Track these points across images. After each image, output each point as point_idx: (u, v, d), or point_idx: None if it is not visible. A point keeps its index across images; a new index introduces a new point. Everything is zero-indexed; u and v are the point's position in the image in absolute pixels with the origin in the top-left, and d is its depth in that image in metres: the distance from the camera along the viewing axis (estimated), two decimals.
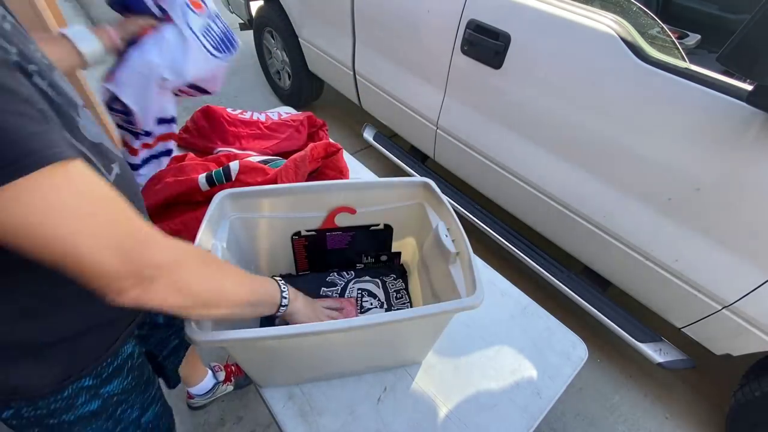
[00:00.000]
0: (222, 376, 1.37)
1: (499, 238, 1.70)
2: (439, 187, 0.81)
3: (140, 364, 0.69)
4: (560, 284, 1.53)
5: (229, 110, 1.31)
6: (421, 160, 2.09)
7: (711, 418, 1.51)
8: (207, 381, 1.31)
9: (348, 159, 1.22)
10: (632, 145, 1.17)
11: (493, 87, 1.45)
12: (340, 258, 0.95)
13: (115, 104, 0.86)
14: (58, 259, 0.37)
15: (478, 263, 0.88)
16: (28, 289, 0.48)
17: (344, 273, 0.97)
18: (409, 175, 1.99)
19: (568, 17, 1.20)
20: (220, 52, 0.90)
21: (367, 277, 0.97)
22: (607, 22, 1.14)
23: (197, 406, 1.36)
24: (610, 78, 1.16)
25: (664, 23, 1.22)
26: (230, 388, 1.40)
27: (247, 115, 1.32)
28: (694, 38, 1.84)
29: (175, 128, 1.00)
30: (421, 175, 1.95)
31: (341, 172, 1.09)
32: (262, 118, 1.34)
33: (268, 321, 0.85)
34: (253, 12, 2.73)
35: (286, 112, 1.42)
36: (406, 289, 0.96)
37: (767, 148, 0.94)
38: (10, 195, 0.32)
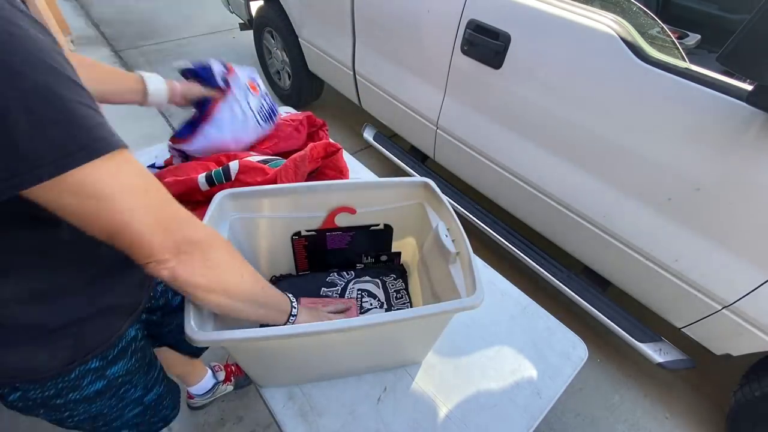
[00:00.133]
0: (222, 375, 1.37)
1: (499, 238, 1.70)
2: (439, 187, 0.81)
3: (143, 346, 0.72)
4: (560, 284, 1.53)
5: None
6: (421, 160, 2.09)
7: (711, 417, 1.51)
8: (207, 381, 1.31)
9: (348, 159, 1.22)
10: (632, 145, 1.17)
11: (493, 87, 1.45)
12: (340, 258, 0.95)
13: (177, 153, 1.08)
14: (113, 231, 0.42)
15: (478, 263, 0.88)
16: (41, 273, 0.51)
17: (344, 273, 0.97)
18: (409, 175, 1.99)
19: (568, 17, 1.20)
20: (266, 123, 1.11)
21: (367, 277, 0.97)
22: (607, 22, 1.14)
23: (197, 406, 1.36)
24: (610, 78, 1.16)
25: (664, 23, 1.22)
26: (230, 388, 1.40)
27: None
28: (694, 38, 1.84)
29: None
30: (421, 175, 1.95)
31: (341, 172, 1.09)
32: None
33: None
34: (253, 12, 2.73)
35: (286, 111, 1.42)
36: (406, 289, 0.96)
37: (767, 148, 0.95)
38: (84, 173, 0.37)
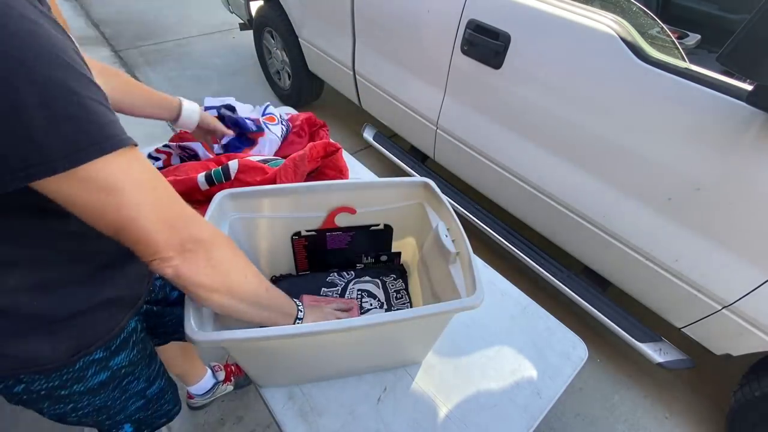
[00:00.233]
0: (222, 375, 1.37)
1: (499, 238, 1.70)
2: (439, 187, 0.81)
3: (143, 338, 0.72)
4: (560, 284, 1.53)
5: None
6: (421, 160, 2.09)
7: (711, 418, 1.51)
8: (207, 380, 1.31)
9: (348, 159, 1.22)
10: (632, 145, 1.17)
11: (493, 87, 1.45)
12: (340, 258, 0.95)
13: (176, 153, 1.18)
14: (120, 226, 0.43)
15: (478, 263, 0.88)
16: (48, 263, 0.52)
17: (344, 273, 0.97)
18: (409, 175, 1.99)
19: (568, 17, 1.20)
20: (283, 133, 1.27)
21: (367, 277, 0.97)
22: (607, 22, 1.14)
23: (197, 406, 1.36)
24: (610, 78, 1.16)
25: (664, 23, 1.22)
26: (230, 388, 1.40)
27: None
28: (694, 38, 1.84)
29: None
30: (421, 175, 1.95)
31: (341, 172, 1.09)
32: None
33: None
34: (253, 12, 2.73)
35: (287, 112, 1.42)
36: (406, 289, 0.96)
37: (767, 148, 0.95)
38: (95, 168, 0.39)
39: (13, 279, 0.49)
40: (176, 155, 1.14)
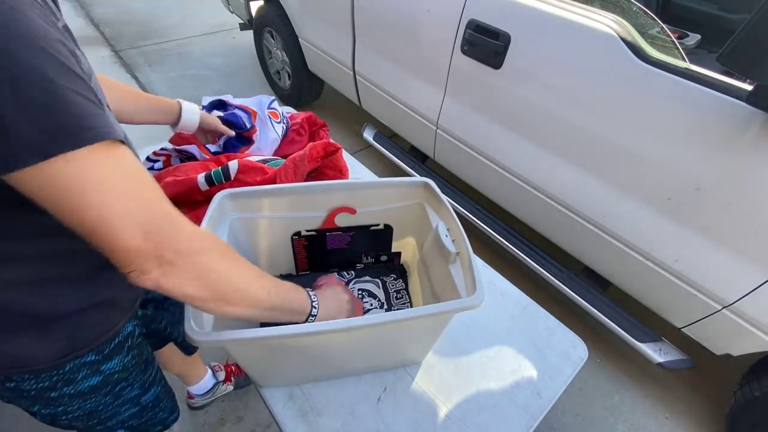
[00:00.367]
0: (222, 376, 1.37)
1: (499, 238, 1.70)
2: (439, 187, 0.81)
3: (140, 343, 0.70)
4: (560, 284, 1.53)
5: None
6: (421, 160, 2.09)
7: (711, 418, 1.51)
8: (207, 380, 1.31)
9: (348, 159, 1.22)
10: (632, 145, 1.17)
11: (493, 87, 1.45)
12: (340, 258, 0.95)
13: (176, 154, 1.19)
14: (88, 228, 0.39)
15: (478, 263, 0.88)
16: (41, 260, 0.50)
17: (344, 273, 0.97)
18: (409, 175, 1.99)
19: (568, 17, 1.20)
20: (283, 132, 1.28)
21: (367, 277, 0.97)
22: (607, 22, 1.14)
23: (197, 406, 1.36)
24: (610, 78, 1.16)
25: (664, 23, 1.22)
26: (230, 388, 1.40)
27: None
28: (694, 38, 1.84)
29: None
30: (421, 175, 1.95)
31: (341, 172, 1.09)
32: None
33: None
34: (253, 12, 2.73)
35: (287, 112, 1.42)
36: (406, 289, 0.96)
37: (767, 148, 0.95)
38: (66, 161, 0.36)
39: (6, 273, 0.48)
40: (175, 157, 1.14)
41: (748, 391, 1.25)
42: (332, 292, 0.69)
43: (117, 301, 0.62)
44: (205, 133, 1.03)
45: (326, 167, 1.08)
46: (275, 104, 1.28)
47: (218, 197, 0.74)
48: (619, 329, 1.40)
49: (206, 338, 0.53)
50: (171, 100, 0.92)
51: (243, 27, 3.01)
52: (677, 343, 1.38)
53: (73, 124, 0.36)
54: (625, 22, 1.14)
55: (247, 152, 1.15)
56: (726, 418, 1.37)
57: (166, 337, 0.88)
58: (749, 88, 0.93)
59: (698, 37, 1.84)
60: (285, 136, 1.26)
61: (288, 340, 0.59)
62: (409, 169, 2.02)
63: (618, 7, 1.29)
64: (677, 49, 1.15)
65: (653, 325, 1.41)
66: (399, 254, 0.98)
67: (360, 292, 0.93)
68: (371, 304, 0.91)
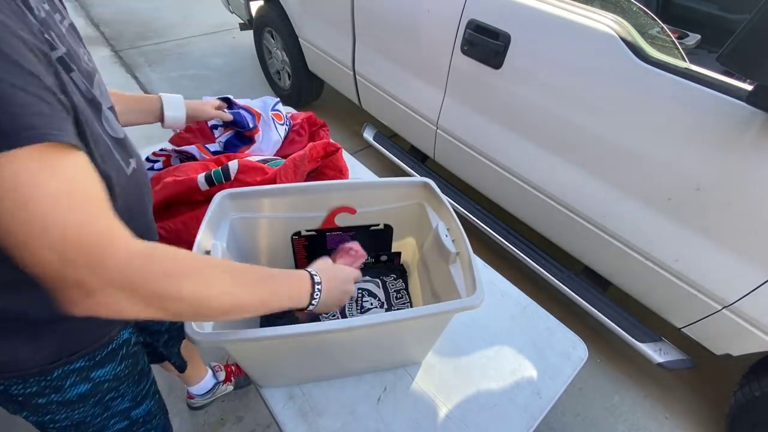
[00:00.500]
0: (222, 376, 1.37)
1: (499, 238, 1.70)
2: (439, 187, 0.81)
3: (135, 352, 0.68)
4: (560, 284, 1.53)
5: None
6: (421, 160, 2.09)
7: (711, 418, 1.51)
8: (207, 381, 1.31)
9: (348, 159, 1.22)
10: (632, 145, 1.17)
11: (493, 87, 1.45)
12: None
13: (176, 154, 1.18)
14: (4, 240, 0.35)
15: (478, 263, 0.88)
16: None
17: None
18: (409, 175, 1.99)
19: (568, 17, 1.20)
20: (285, 134, 1.28)
21: (367, 277, 0.97)
22: (607, 22, 1.14)
23: (197, 406, 1.36)
24: (610, 78, 1.16)
25: (664, 23, 1.22)
26: (230, 388, 1.40)
27: None
28: (694, 38, 1.84)
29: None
30: (421, 175, 1.95)
31: (341, 172, 1.09)
32: None
33: (268, 321, 0.85)
34: (253, 12, 2.73)
35: (287, 112, 1.42)
36: (406, 289, 0.96)
37: (767, 148, 0.95)
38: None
39: None
40: (175, 157, 1.14)
41: (748, 391, 1.25)
42: (333, 289, 0.63)
43: None
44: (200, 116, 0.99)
45: (326, 167, 1.08)
46: (279, 106, 1.29)
47: (218, 197, 0.74)
48: (619, 329, 1.40)
49: (206, 338, 0.53)
50: (152, 97, 0.88)
51: (243, 27, 3.01)
52: (677, 343, 1.38)
53: (6, 122, 0.33)
54: (625, 22, 1.14)
55: (247, 152, 1.15)
56: (726, 418, 1.37)
57: (161, 354, 0.85)
58: (749, 88, 0.93)
59: (698, 37, 1.84)
60: (285, 136, 1.27)
61: (288, 339, 0.59)
62: (409, 169, 2.02)
63: (618, 7, 1.29)
64: (677, 49, 1.15)
65: (653, 325, 1.41)
66: (399, 254, 0.98)
67: (360, 291, 0.93)
68: (371, 304, 0.91)
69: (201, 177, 0.95)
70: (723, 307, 1.14)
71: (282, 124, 1.25)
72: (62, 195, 0.35)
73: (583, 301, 1.48)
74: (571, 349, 0.89)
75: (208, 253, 0.65)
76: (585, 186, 1.32)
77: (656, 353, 1.34)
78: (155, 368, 0.88)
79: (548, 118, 1.34)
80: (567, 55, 1.23)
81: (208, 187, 0.95)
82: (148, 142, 1.17)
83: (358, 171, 1.25)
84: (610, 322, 1.42)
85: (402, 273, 0.99)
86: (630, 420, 1.49)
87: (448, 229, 0.76)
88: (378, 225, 0.89)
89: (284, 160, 0.99)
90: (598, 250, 1.40)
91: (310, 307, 0.58)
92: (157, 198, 0.95)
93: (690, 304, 1.21)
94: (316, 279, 0.59)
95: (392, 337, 0.71)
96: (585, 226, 1.37)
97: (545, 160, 1.40)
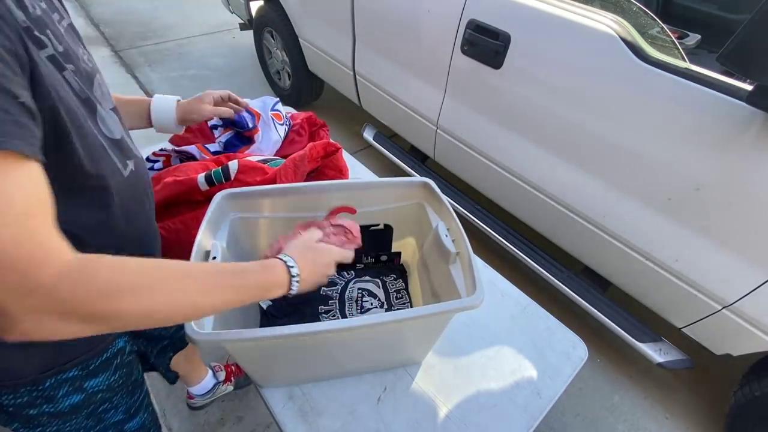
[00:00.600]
0: (222, 376, 1.37)
1: (499, 238, 1.70)
2: (439, 187, 0.81)
3: (129, 362, 0.67)
4: (560, 284, 1.53)
5: None
6: (421, 160, 2.09)
7: (711, 418, 1.51)
8: (207, 381, 1.31)
9: (348, 159, 1.22)
10: (632, 145, 1.17)
11: (493, 87, 1.45)
12: None
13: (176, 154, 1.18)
14: None
15: (478, 263, 0.88)
16: None
17: (344, 273, 0.97)
18: (409, 175, 1.99)
19: (568, 17, 1.20)
20: (285, 134, 1.28)
21: (367, 277, 0.97)
22: (607, 22, 1.14)
23: (197, 406, 1.36)
24: (610, 78, 1.16)
25: (664, 23, 1.22)
26: (230, 388, 1.40)
27: None
28: (694, 38, 1.84)
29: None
30: (421, 175, 1.95)
31: (341, 172, 1.09)
32: None
33: (268, 321, 0.85)
34: (253, 12, 2.73)
35: (287, 112, 1.42)
36: (406, 289, 0.96)
37: (767, 148, 0.95)
38: None
39: None
40: (175, 157, 1.14)
41: (748, 391, 1.25)
42: (305, 247, 0.60)
43: None
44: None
45: (326, 167, 1.08)
46: (279, 106, 1.28)
47: (218, 197, 0.74)
48: (619, 329, 1.40)
49: (206, 338, 0.53)
50: (143, 100, 0.82)
51: (243, 27, 3.01)
52: (677, 343, 1.38)
53: None
54: (625, 22, 1.14)
55: (247, 152, 1.15)
56: (726, 418, 1.37)
57: (151, 364, 0.83)
58: (749, 88, 0.93)
59: (698, 37, 1.84)
60: (285, 136, 1.27)
61: (288, 339, 0.59)
62: (409, 169, 2.02)
63: (618, 7, 1.29)
64: (677, 49, 1.15)
65: (653, 325, 1.41)
66: (399, 254, 0.98)
67: (360, 291, 0.93)
68: (371, 304, 0.91)
69: (201, 177, 0.95)
70: (723, 307, 1.14)
71: (282, 124, 1.25)
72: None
73: (583, 301, 1.48)
74: (571, 349, 0.89)
75: (208, 253, 0.65)
76: (585, 186, 1.32)
77: (656, 353, 1.34)
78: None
79: (548, 118, 1.34)
80: (567, 55, 1.23)
81: (208, 187, 0.95)
82: (148, 142, 1.16)
83: (358, 171, 1.25)
84: (610, 322, 1.42)
85: (402, 273, 0.99)
86: (630, 420, 1.49)
87: (448, 229, 0.76)
88: (378, 225, 0.89)
89: (284, 160, 0.99)
90: (598, 250, 1.40)
91: (290, 294, 0.55)
92: (157, 198, 0.95)
93: (690, 304, 1.21)
94: (293, 272, 0.55)
95: (392, 337, 0.71)
96: (585, 226, 1.37)
97: (545, 160, 1.40)
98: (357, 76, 2.13)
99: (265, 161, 1.04)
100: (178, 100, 0.87)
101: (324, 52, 2.25)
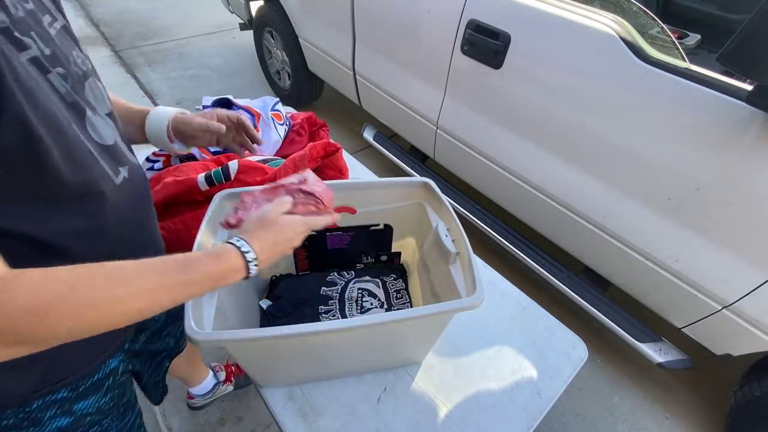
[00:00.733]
0: (222, 376, 1.37)
1: (499, 238, 1.70)
2: (439, 187, 0.81)
3: (122, 383, 0.63)
4: (560, 284, 1.53)
5: None
6: (421, 160, 2.09)
7: (711, 418, 1.51)
8: (208, 381, 1.31)
9: (348, 159, 1.22)
10: (632, 145, 1.17)
11: (493, 87, 1.45)
12: (340, 258, 0.95)
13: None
14: None
15: (478, 263, 0.88)
16: None
17: (344, 273, 0.97)
18: (409, 175, 1.99)
19: (568, 17, 1.20)
20: (285, 134, 1.29)
21: (367, 277, 0.96)
22: (607, 22, 1.14)
23: (197, 406, 1.36)
24: (610, 78, 1.16)
25: (664, 23, 1.22)
26: (230, 388, 1.40)
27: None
28: (694, 38, 1.84)
29: None
30: (421, 175, 1.95)
31: (341, 172, 1.09)
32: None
33: (268, 321, 0.85)
34: (253, 12, 2.73)
35: (287, 112, 1.42)
36: (406, 289, 0.96)
37: (767, 148, 0.94)
38: None
39: None
40: (175, 157, 1.14)
41: (748, 391, 1.25)
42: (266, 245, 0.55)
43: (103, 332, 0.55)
44: (200, 133, 0.76)
45: (326, 167, 1.08)
46: (279, 106, 1.29)
47: (218, 197, 0.74)
48: (619, 329, 1.40)
49: (206, 338, 0.53)
50: (143, 110, 0.73)
51: (243, 27, 3.01)
52: (677, 343, 1.38)
53: None
54: (625, 22, 1.14)
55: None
56: (726, 418, 1.37)
57: (144, 383, 0.79)
58: (749, 88, 0.93)
59: (698, 37, 1.84)
60: (285, 136, 1.27)
61: (288, 339, 0.59)
62: (409, 169, 2.02)
63: (618, 7, 1.29)
64: (677, 49, 1.15)
65: (653, 325, 1.41)
66: (399, 254, 0.98)
67: (360, 291, 0.93)
68: (371, 304, 0.91)
69: (201, 177, 0.95)
70: (723, 307, 1.14)
71: (282, 124, 1.25)
72: None
73: (583, 301, 1.48)
74: (571, 349, 0.89)
75: None
76: (585, 186, 1.32)
77: (656, 353, 1.34)
78: None
79: (548, 118, 1.34)
80: (567, 55, 1.23)
81: (208, 187, 0.95)
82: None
83: (358, 171, 1.25)
84: (610, 322, 1.42)
85: (402, 273, 0.99)
86: (630, 420, 1.49)
87: (448, 229, 0.76)
88: (378, 225, 0.89)
89: (284, 160, 0.99)
90: (598, 250, 1.40)
91: (250, 277, 0.52)
92: (157, 198, 0.95)
93: (690, 304, 1.21)
94: (249, 256, 0.52)
95: (392, 337, 0.71)
96: (585, 226, 1.37)
97: (545, 160, 1.40)
98: (357, 76, 2.13)
99: (265, 161, 1.04)
100: (183, 113, 0.75)
101: (324, 52, 2.25)
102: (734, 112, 0.97)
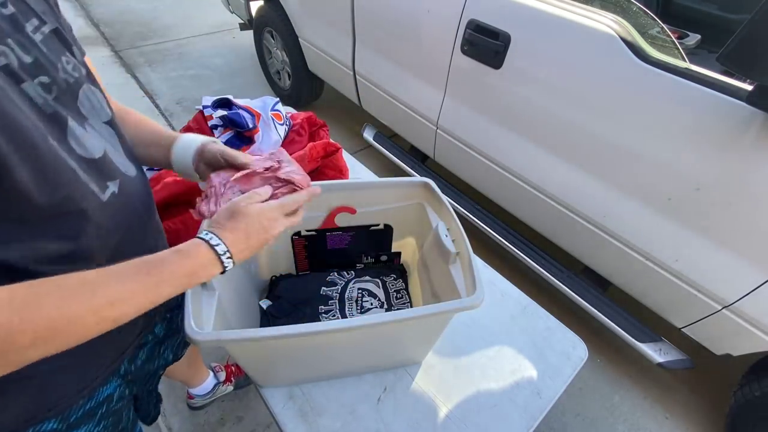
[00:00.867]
0: (222, 376, 1.37)
1: (499, 238, 1.70)
2: (439, 187, 0.81)
3: (117, 410, 0.60)
4: (560, 284, 1.53)
5: None
6: (421, 160, 2.09)
7: (711, 418, 1.51)
8: (208, 382, 1.31)
9: (348, 159, 1.22)
10: (632, 145, 1.17)
11: (493, 87, 1.45)
12: (340, 258, 0.95)
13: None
14: None
15: (478, 263, 0.88)
16: None
17: (344, 273, 0.97)
18: (409, 175, 1.99)
19: (568, 17, 1.20)
20: (285, 134, 1.28)
21: (367, 277, 0.97)
22: (607, 22, 1.14)
23: (197, 407, 1.36)
24: (610, 78, 1.16)
25: (664, 23, 1.22)
26: (230, 388, 1.40)
27: None
28: (694, 38, 1.84)
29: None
30: (421, 175, 1.95)
31: (341, 172, 1.09)
32: None
33: (268, 321, 0.85)
34: (253, 12, 2.73)
35: (287, 112, 1.42)
36: (406, 289, 0.96)
37: (767, 148, 0.95)
38: None
39: None
40: None
41: (748, 391, 1.25)
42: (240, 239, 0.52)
43: (96, 356, 0.50)
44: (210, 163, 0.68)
45: (326, 167, 1.08)
46: (279, 106, 1.29)
47: None
48: (619, 329, 1.40)
49: (206, 338, 0.53)
50: (171, 135, 0.69)
51: (243, 27, 3.01)
52: (677, 343, 1.38)
53: None
54: (625, 22, 1.14)
55: (247, 152, 1.15)
56: (726, 418, 1.37)
57: (138, 404, 0.74)
58: (749, 88, 0.93)
59: (698, 37, 1.84)
60: (285, 137, 1.27)
61: (288, 339, 0.59)
62: (409, 169, 2.02)
63: (618, 7, 1.29)
64: (677, 49, 1.15)
65: (653, 325, 1.41)
66: (399, 254, 0.98)
67: (360, 291, 0.93)
68: (371, 304, 0.91)
69: None
70: (723, 307, 1.14)
71: (282, 124, 1.25)
72: None
73: (583, 301, 1.48)
74: (571, 349, 0.89)
75: None
76: (585, 186, 1.32)
77: (656, 353, 1.34)
78: None
79: (548, 118, 1.34)
80: (567, 55, 1.23)
81: None
82: None
83: (358, 171, 1.25)
84: (610, 322, 1.42)
85: (402, 273, 0.99)
86: (630, 420, 1.49)
87: (448, 229, 0.76)
88: (378, 225, 0.89)
89: None
90: (598, 250, 1.40)
91: (227, 262, 0.50)
92: (157, 198, 0.95)
93: (690, 304, 1.21)
94: (219, 249, 0.49)
95: (392, 337, 0.71)
96: (585, 226, 1.37)
97: (545, 160, 1.40)
98: (357, 76, 2.13)
99: None
100: (214, 142, 0.68)
101: (324, 52, 2.25)
102: (734, 112, 0.97)
